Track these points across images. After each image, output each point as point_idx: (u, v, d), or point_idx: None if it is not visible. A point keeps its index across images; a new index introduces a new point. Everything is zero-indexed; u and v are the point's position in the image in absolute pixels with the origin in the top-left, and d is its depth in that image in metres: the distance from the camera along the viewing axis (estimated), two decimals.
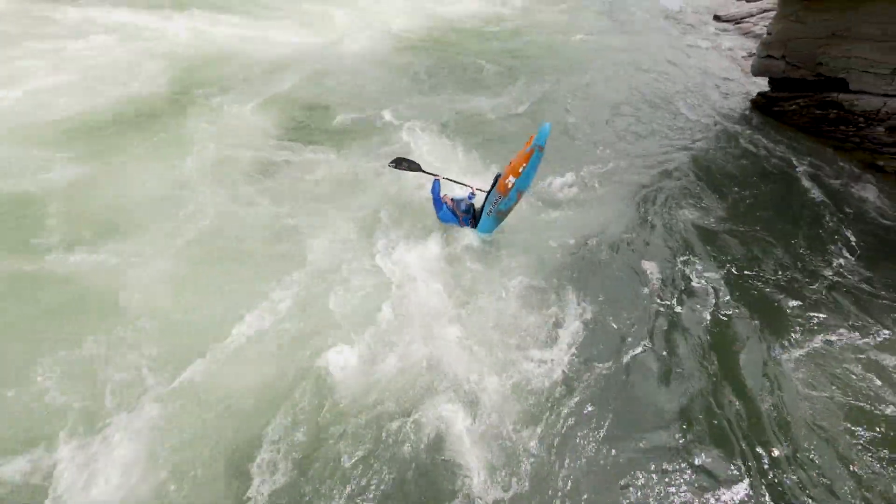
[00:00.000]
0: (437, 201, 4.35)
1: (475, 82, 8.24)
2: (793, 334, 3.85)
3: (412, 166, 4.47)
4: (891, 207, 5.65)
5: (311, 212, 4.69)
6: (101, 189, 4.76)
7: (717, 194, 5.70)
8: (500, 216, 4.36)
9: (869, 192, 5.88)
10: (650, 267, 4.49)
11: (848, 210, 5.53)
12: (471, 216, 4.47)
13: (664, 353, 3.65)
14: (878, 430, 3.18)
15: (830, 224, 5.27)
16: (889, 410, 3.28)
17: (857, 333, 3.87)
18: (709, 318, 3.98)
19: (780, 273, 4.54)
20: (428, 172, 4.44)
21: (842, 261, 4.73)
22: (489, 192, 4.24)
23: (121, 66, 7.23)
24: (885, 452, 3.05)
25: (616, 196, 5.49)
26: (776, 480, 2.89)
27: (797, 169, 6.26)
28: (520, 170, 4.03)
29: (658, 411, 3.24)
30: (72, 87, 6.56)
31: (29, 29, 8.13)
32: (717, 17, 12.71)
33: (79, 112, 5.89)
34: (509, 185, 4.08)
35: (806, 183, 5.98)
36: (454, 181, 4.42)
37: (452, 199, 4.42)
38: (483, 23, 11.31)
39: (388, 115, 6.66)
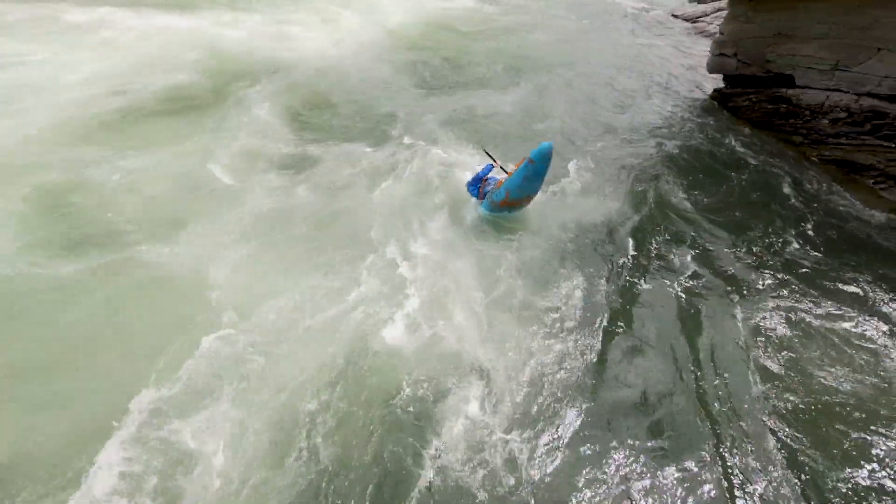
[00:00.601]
0: (477, 179, 4.90)
1: (460, 81, 8.69)
2: (755, 309, 4.10)
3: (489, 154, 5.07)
4: (835, 193, 6.06)
5: (346, 200, 5.06)
6: (149, 180, 5.01)
7: (680, 184, 5.98)
8: (494, 206, 4.74)
9: (816, 182, 6.28)
10: (628, 248, 4.76)
11: (799, 198, 5.90)
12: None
13: (654, 333, 3.82)
14: (841, 403, 3.44)
15: (781, 211, 5.61)
16: (842, 379, 3.55)
17: (814, 309, 4.15)
18: (679, 295, 4.20)
19: (742, 252, 4.84)
20: (492, 159, 4.99)
21: (796, 245, 5.04)
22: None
23: (147, 63, 7.60)
24: (843, 424, 3.31)
25: (596, 185, 5.78)
26: (740, 456, 3.09)
27: (752, 160, 6.64)
28: (511, 172, 4.56)
29: (638, 391, 3.40)
30: (99, 82, 6.85)
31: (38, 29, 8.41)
32: (674, 16, 13.26)
33: (112, 108, 6.21)
34: (501, 182, 4.66)
35: (760, 174, 6.34)
36: (503, 168, 4.91)
37: (487, 180, 4.92)
38: (459, 25, 11.58)
39: (398, 111, 7.18)
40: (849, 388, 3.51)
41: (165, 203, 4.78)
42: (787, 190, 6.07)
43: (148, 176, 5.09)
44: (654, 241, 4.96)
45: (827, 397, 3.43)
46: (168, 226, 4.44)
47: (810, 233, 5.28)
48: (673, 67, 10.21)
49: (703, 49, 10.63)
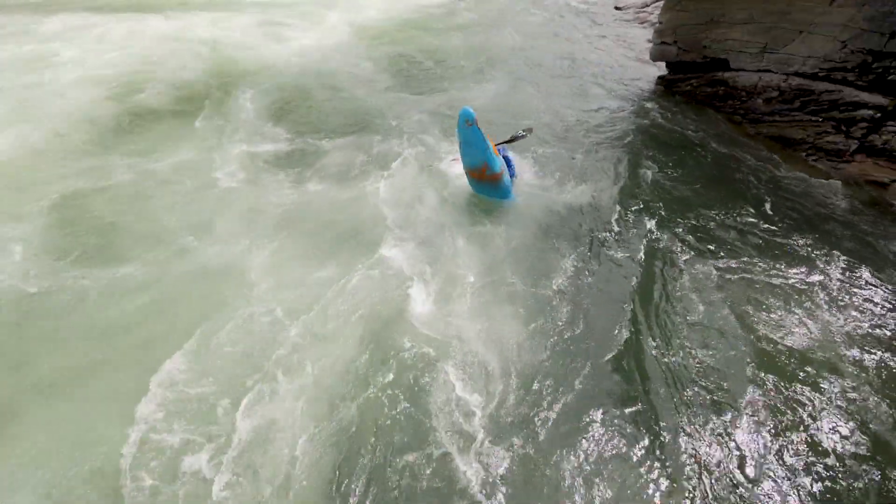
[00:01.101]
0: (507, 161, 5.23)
1: (437, 74, 9.32)
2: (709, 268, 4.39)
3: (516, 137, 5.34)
4: (775, 165, 6.49)
5: (351, 191, 5.46)
6: (163, 182, 5.37)
7: (642, 164, 6.36)
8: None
9: (757, 156, 6.70)
10: (603, 223, 5.12)
11: (745, 171, 6.29)
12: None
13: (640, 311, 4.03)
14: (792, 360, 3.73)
15: (731, 184, 5.98)
16: (786, 333, 3.86)
17: (766, 267, 4.48)
18: (646, 263, 4.45)
19: (703, 220, 5.21)
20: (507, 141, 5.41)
21: (747, 212, 5.39)
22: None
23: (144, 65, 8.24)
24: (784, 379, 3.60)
25: (567, 169, 6.14)
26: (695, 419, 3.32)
27: (701, 139, 7.01)
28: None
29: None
30: (100, 85, 7.42)
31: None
32: (617, 8, 13.76)
33: (119, 111, 6.64)
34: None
35: (710, 151, 6.72)
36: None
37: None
38: (431, 22, 11.98)
39: (384, 106, 7.67)
40: (793, 338, 3.81)
41: (184, 203, 5.16)
42: (733, 164, 6.48)
43: (161, 178, 5.53)
44: (625, 215, 5.34)
45: (768, 345, 3.72)
46: (193, 225, 4.81)
47: (759, 202, 5.67)
48: (621, 57, 10.62)
49: (646, 38, 11.12)
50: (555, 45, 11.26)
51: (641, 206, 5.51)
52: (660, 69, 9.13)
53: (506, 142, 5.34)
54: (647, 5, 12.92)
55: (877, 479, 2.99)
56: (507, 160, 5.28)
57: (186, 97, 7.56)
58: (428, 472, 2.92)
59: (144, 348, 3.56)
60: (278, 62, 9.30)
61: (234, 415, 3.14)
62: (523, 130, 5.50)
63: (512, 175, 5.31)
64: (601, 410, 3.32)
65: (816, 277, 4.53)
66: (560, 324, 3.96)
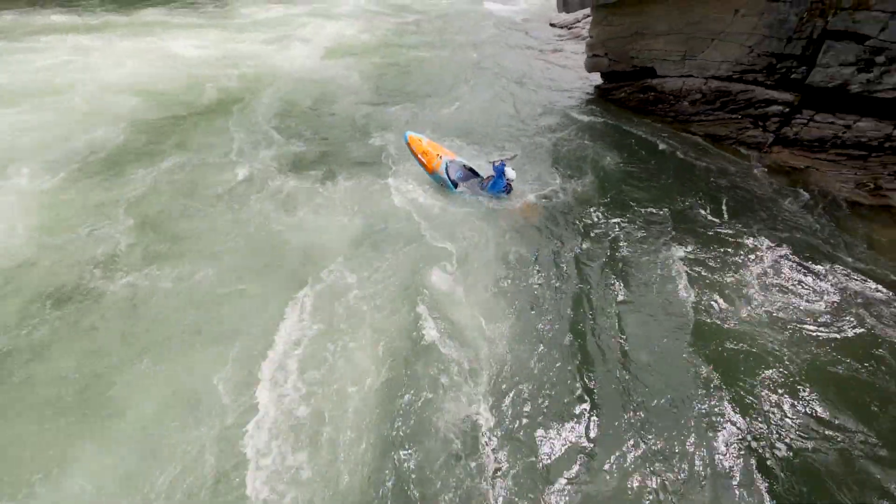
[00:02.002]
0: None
1: (411, 91, 9.74)
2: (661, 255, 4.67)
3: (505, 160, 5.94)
4: (709, 159, 7.04)
5: (368, 198, 5.88)
6: (205, 183, 6.05)
7: (596, 166, 6.82)
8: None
9: (693, 152, 7.24)
10: (567, 221, 5.31)
11: (686, 165, 6.79)
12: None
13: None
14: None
15: (674, 177, 6.45)
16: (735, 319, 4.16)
17: (714, 246, 4.82)
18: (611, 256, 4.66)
19: (655, 208, 5.52)
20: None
21: (691, 201, 5.81)
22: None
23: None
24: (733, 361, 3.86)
25: (532, 176, 6.51)
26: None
27: (641, 141, 7.51)
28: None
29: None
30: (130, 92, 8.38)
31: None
32: (552, 25, 14.58)
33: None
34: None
35: (651, 151, 7.23)
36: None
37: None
38: (400, 40, 12.58)
39: (375, 115, 8.32)
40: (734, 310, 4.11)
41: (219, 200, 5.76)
42: (670, 161, 6.99)
43: (202, 178, 6.17)
44: (586, 210, 5.77)
45: (706, 318, 3.99)
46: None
47: (695, 192, 6.17)
48: (560, 70, 11.23)
49: (581, 51, 11.83)
50: (506, 59, 11.92)
51: (592, 200, 5.93)
52: (596, 79, 9.73)
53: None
54: (578, 21, 13.78)
55: (812, 453, 3.25)
56: (499, 172, 5.85)
57: (184, 115, 8.14)
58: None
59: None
60: (276, 76, 10.10)
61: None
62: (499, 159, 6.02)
63: (498, 188, 5.94)
64: (549, 392, 3.43)
65: (752, 255, 4.97)
66: (512, 316, 4.07)
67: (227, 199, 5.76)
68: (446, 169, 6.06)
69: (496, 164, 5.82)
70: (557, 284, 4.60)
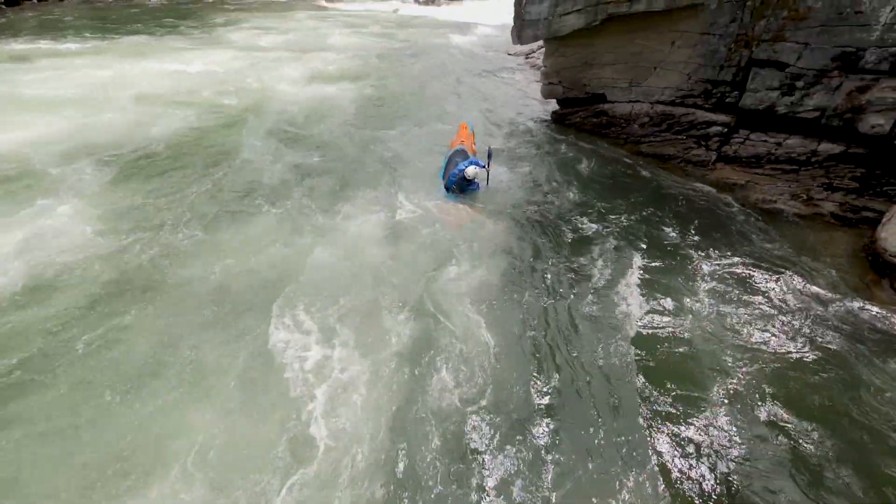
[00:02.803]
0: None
1: (389, 114, 10.04)
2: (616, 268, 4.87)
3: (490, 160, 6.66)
4: (659, 177, 7.49)
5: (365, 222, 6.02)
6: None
7: (556, 184, 7.19)
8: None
9: (645, 170, 7.70)
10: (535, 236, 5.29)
11: (637, 183, 7.18)
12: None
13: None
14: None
15: (629, 194, 6.78)
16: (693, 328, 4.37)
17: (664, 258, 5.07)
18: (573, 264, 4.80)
19: (611, 225, 5.72)
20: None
21: (643, 215, 6.12)
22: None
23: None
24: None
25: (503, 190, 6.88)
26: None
27: (598, 162, 7.92)
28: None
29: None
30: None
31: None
32: (509, 54, 15.34)
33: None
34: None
35: (607, 172, 7.61)
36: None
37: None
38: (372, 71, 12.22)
39: (362, 135, 8.83)
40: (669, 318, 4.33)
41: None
42: (624, 180, 7.39)
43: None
44: (539, 225, 6.00)
45: (646, 324, 4.18)
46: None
47: (647, 208, 6.51)
48: (520, 96, 11.79)
49: (537, 79, 12.48)
50: (473, 86, 12.54)
51: (545, 216, 6.22)
52: (553, 105, 10.26)
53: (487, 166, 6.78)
54: (534, 52, 14.58)
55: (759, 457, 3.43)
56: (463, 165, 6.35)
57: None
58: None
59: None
60: (271, 99, 10.60)
61: None
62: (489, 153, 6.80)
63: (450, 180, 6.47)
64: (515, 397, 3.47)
65: (700, 265, 5.27)
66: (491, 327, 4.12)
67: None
68: (449, 158, 6.74)
69: (468, 159, 6.41)
70: (509, 296, 4.71)
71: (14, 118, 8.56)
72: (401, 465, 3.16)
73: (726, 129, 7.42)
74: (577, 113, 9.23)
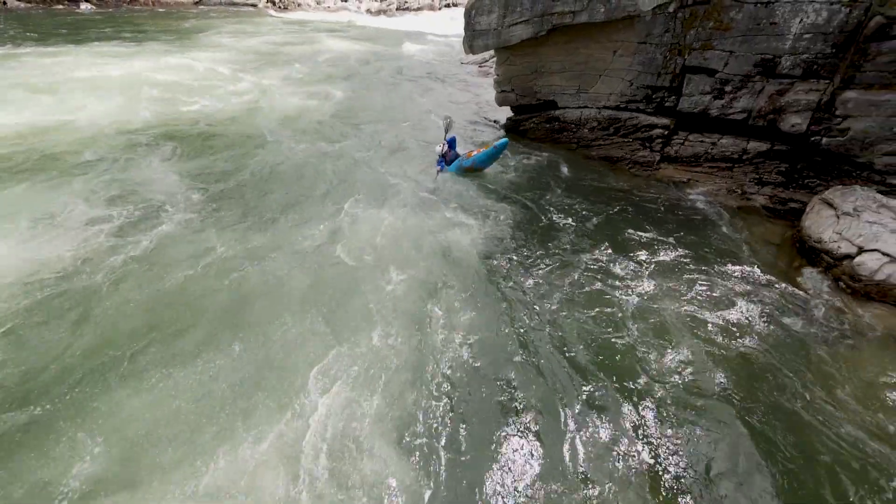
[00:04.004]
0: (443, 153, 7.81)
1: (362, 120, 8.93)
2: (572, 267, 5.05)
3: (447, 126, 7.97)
4: (608, 177, 7.86)
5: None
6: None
7: (513, 190, 7.30)
8: (461, 170, 7.71)
9: (594, 172, 8.06)
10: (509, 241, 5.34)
11: (587, 184, 7.50)
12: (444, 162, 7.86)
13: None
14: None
15: (578, 194, 7.06)
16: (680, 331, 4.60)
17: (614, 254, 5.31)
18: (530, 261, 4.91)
19: (562, 226, 5.92)
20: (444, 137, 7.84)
21: (588, 211, 6.39)
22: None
23: None
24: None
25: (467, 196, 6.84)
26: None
27: (550, 165, 8.20)
28: (480, 151, 7.55)
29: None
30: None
31: None
32: (463, 63, 15.64)
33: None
34: (470, 154, 7.67)
35: (559, 172, 7.90)
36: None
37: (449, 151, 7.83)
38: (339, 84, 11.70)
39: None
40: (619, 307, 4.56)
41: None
42: (577, 181, 7.70)
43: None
44: (498, 225, 6.10)
45: (596, 312, 4.40)
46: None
47: (601, 206, 6.79)
48: (476, 104, 12.04)
49: (490, 87, 12.81)
50: (429, 95, 12.68)
51: (501, 217, 6.41)
52: (507, 111, 10.54)
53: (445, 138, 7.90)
54: (486, 61, 14.94)
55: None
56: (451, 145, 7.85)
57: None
58: None
59: None
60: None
61: None
62: (443, 122, 8.03)
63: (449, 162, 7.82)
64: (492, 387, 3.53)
65: (648, 259, 5.57)
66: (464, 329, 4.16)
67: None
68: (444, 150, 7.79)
69: (447, 140, 7.76)
70: (470, 300, 4.78)
71: None
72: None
73: (667, 132, 7.92)
74: (531, 119, 9.54)
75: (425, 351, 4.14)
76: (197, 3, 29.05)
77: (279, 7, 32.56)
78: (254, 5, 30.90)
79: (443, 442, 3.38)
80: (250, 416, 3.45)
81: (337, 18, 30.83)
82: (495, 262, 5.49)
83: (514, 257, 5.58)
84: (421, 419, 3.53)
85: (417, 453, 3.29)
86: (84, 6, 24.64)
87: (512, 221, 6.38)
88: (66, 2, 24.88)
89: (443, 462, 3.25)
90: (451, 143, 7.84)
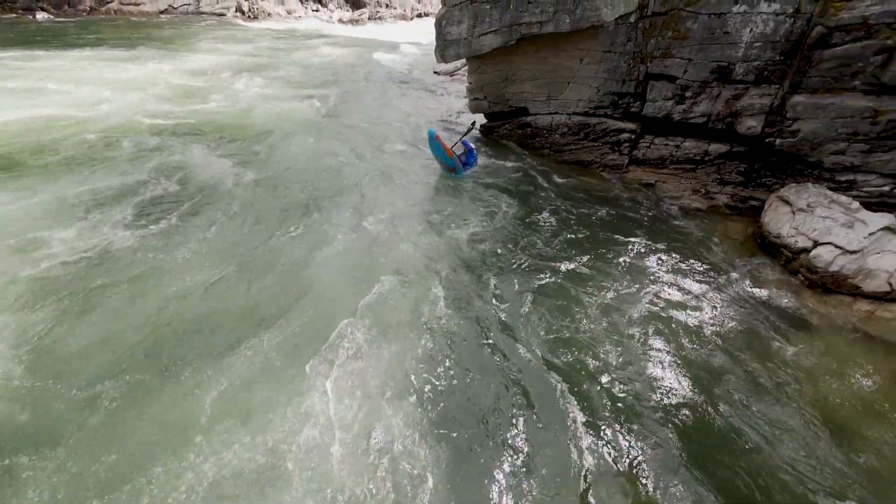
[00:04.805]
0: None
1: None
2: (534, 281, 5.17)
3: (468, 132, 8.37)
4: (580, 180, 8.09)
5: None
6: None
7: (491, 195, 7.41)
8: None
9: (567, 176, 8.27)
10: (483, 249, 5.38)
11: (561, 187, 7.70)
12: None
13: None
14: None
15: (551, 197, 7.24)
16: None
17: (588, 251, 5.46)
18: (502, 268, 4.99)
19: (541, 227, 6.05)
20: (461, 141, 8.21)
21: (564, 214, 6.56)
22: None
23: None
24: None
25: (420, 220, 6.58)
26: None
27: (525, 169, 8.38)
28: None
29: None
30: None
31: None
32: (436, 73, 15.83)
33: None
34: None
35: (533, 177, 8.07)
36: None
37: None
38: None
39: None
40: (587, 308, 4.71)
41: None
42: (551, 184, 7.90)
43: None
44: (475, 231, 6.19)
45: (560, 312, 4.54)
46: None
47: (574, 209, 7.00)
48: (451, 111, 12.19)
49: (464, 94, 13.00)
50: (409, 102, 12.87)
51: (476, 221, 6.45)
52: (481, 118, 10.72)
53: (463, 137, 8.22)
54: (458, 69, 15.17)
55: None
56: (470, 151, 8.14)
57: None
58: None
59: None
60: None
61: None
62: (470, 127, 8.42)
63: (470, 161, 8.19)
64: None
65: (622, 256, 5.77)
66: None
67: None
68: (459, 156, 8.11)
69: (464, 140, 8.13)
70: (451, 302, 4.84)
71: None
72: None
73: (634, 136, 8.23)
74: (504, 125, 9.74)
75: (394, 358, 4.15)
76: (162, 12, 28.35)
77: (248, 17, 32.14)
78: (221, 14, 30.39)
79: (404, 449, 3.40)
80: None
81: (308, 27, 30.69)
82: (470, 263, 5.56)
83: (488, 260, 5.67)
84: (395, 425, 3.54)
85: (382, 465, 3.30)
86: (40, 15, 23.65)
87: (484, 227, 6.47)
88: (18, 10, 23.85)
89: (407, 471, 3.26)
90: (466, 144, 8.20)
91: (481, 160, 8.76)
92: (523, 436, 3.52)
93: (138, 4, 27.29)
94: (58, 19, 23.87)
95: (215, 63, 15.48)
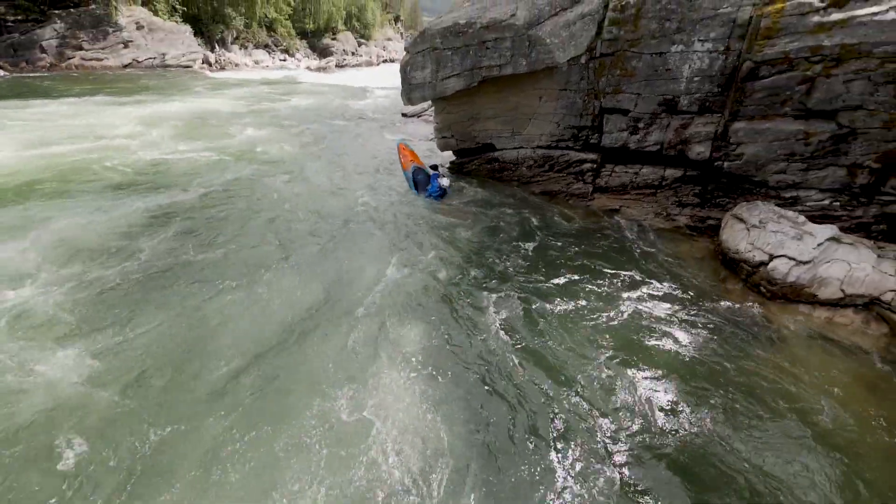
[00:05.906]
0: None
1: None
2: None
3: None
4: (549, 210, 8.37)
5: None
6: None
7: (466, 228, 7.55)
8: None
9: (536, 206, 8.57)
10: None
11: (530, 217, 7.93)
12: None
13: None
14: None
15: (522, 226, 7.44)
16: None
17: (546, 286, 5.56)
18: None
19: (511, 259, 6.13)
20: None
21: (532, 245, 6.72)
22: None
23: None
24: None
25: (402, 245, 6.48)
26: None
27: (495, 203, 8.61)
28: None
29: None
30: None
31: None
32: (404, 115, 16.39)
33: None
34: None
35: (504, 210, 8.29)
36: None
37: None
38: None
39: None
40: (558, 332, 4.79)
41: None
42: (521, 215, 8.12)
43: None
44: (447, 261, 5.95)
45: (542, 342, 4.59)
46: None
47: (545, 237, 7.19)
48: (421, 149, 12.55)
49: (432, 134, 13.47)
50: (378, 144, 13.15)
51: (449, 254, 6.51)
52: (450, 155, 11.09)
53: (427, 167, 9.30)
54: (425, 110, 15.78)
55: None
56: (433, 177, 8.82)
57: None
58: None
59: None
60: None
61: None
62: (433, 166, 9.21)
63: (432, 191, 8.73)
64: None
65: (589, 282, 5.92)
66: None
67: None
68: (413, 172, 9.11)
69: (432, 172, 8.80)
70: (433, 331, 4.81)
71: None
72: None
73: (595, 165, 8.67)
74: (473, 161, 10.08)
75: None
76: (126, 66, 28.45)
77: (216, 67, 32.69)
78: (188, 66, 30.79)
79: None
80: None
81: (277, 76, 31.43)
82: (441, 289, 5.57)
83: (459, 287, 5.70)
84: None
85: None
86: None
87: (457, 255, 6.55)
88: None
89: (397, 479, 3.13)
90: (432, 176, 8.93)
91: (452, 193, 9.00)
92: (487, 475, 3.44)
93: (101, 59, 27.23)
94: (16, 75, 23.54)
95: (221, 105, 16.39)
